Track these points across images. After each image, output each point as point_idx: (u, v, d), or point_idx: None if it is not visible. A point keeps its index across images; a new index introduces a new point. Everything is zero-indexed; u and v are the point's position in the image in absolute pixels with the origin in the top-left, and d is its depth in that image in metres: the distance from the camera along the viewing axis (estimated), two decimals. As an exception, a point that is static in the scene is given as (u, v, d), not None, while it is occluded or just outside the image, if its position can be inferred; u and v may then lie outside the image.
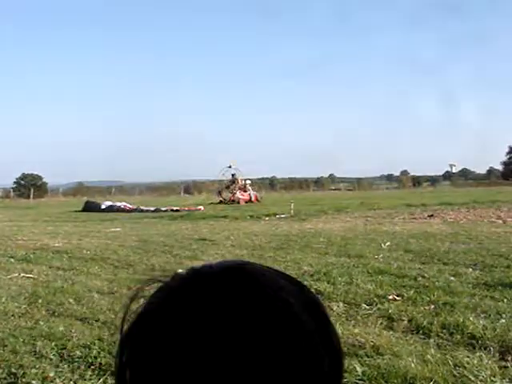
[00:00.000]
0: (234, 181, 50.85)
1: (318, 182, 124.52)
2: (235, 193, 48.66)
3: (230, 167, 52.78)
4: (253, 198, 48.97)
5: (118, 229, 24.36)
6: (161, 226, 26.56)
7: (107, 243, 17.85)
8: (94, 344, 6.58)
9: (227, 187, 51.02)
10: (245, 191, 49.79)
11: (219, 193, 50.94)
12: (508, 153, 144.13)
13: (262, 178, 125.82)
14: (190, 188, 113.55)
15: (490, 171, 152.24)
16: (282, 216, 29.72)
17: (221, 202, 47.71)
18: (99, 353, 6.30)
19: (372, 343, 6.21)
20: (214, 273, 0.89)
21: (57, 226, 26.44)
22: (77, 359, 6.23)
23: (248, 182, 51.93)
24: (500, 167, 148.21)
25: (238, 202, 46.46)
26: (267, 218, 28.88)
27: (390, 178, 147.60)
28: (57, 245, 17.14)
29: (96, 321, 7.75)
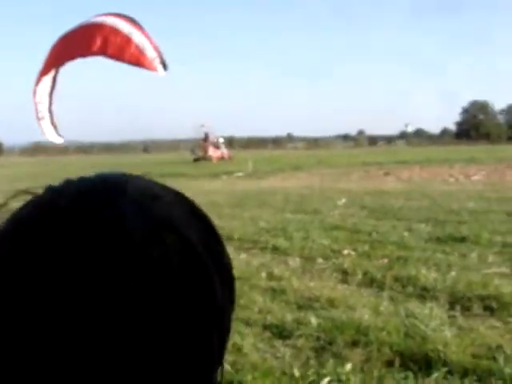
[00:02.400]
0: (206, 139, 51.10)
1: (276, 141, 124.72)
2: (207, 150, 49.05)
3: (202, 126, 52.92)
4: (226, 156, 49.57)
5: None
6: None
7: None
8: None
9: (199, 145, 51.70)
10: (217, 149, 50.36)
11: (193, 151, 51.77)
12: (461, 113, 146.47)
13: (221, 137, 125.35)
14: (149, 147, 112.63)
15: (444, 131, 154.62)
16: (240, 174, 29.76)
17: (195, 159, 48.00)
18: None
19: (327, 296, 6.35)
20: (83, 192, 0.67)
21: None
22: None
23: (221, 140, 52.51)
24: (454, 127, 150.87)
25: (211, 160, 46.74)
26: (225, 177, 28.89)
27: (346, 137, 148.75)
28: None
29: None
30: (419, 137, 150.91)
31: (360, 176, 26.65)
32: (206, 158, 48.22)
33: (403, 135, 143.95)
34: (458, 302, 6.13)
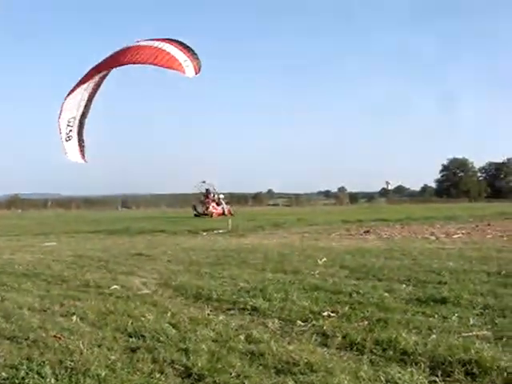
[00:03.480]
0: (207, 195, 52.12)
1: (257, 198, 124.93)
2: (208, 206, 50.16)
3: (204, 182, 53.69)
4: (226, 212, 50.14)
5: (52, 243, 23.84)
6: (97, 240, 26.16)
7: (41, 258, 17.44)
8: (22, 364, 6.38)
9: (201, 201, 52.46)
10: (218, 205, 51.32)
11: (194, 207, 52.38)
12: (441, 171, 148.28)
13: (202, 193, 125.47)
14: (127, 202, 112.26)
15: (425, 188, 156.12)
16: (220, 231, 29.68)
17: (196, 215, 49.08)
18: (27, 373, 6.11)
19: (306, 360, 6.22)
20: None
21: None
22: (2, 381, 6.02)
23: (221, 196, 53.24)
24: (434, 184, 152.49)
25: (211, 216, 47.80)
26: (205, 233, 28.78)
27: (327, 194, 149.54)
28: (-14, 260, 16.66)
29: (25, 339, 7.52)
30: (400, 194, 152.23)
31: (341, 234, 26.65)
32: (206, 213, 49.04)
33: (384, 192, 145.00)
34: (438, 366, 6.04)
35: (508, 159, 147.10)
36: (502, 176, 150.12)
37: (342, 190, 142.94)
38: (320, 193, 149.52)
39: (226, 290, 10.67)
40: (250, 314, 8.81)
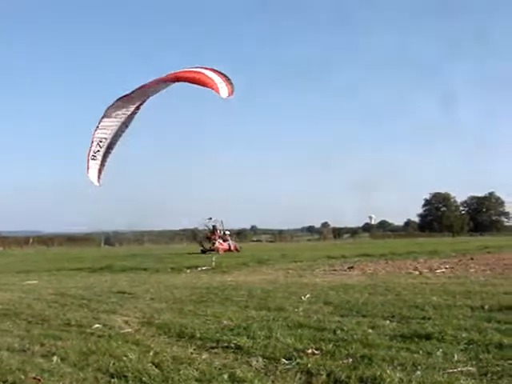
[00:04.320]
0: (214, 231, 53.07)
1: (240, 234, 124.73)
2: (215, 242, 50.93)
3: (210, 219, 54.09)
4: (232, 248, 51.96)
5: (34, 281, 23.56)
6: (79, 278, 25.89)
7: (21, 297, 17.21)
8: (0, 407, 6.26)
9: (207, 237, 53.24)
10: (224, 241, 52.60)
11: (200, 243, 53.41)
12: (424, 205, 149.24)
13: (184, 230, 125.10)
14: (110, 239, 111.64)
15: (408, 223, 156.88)
16: (204, 268, 29.53)
17: (202, 251, 49.54)
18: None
19: (290, 399, 6.15)
20: None
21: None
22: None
23: (227, 232, 54.67)
24: (417, 219, 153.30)
25: (218, 251, 47.98)
26: (188, 271, 28.61)
27: (311, 229, 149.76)
28: (-34, 300, 16.40)
29: (4, 382, 7.37)
30: (383, 228, 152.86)
31: (325, 270, 26.60)
32: (213, 249, 49.40)
33: (367, 227, 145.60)
34: (424, 404, 5.99)
35: (490, 193, 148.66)
36: (483, 210, 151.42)
37: (325, 225, 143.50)
38: (304, 228, 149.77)
39: (209, 328, 10.57)
40: (233, 352, 8.72)
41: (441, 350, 8.23)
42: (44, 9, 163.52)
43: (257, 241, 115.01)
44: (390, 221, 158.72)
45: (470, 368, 7.24)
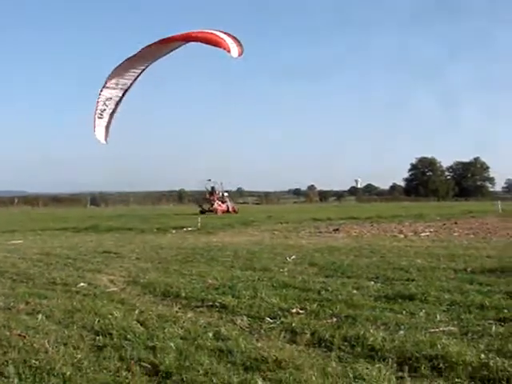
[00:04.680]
0: (212, 193, 54.85)
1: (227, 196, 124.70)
2: (213, 204, 52.69)
3: (209, 180, 56.23)
4: (230, 209, 53.36)
5: (19, 241, 23.52)
6: (64, 238, 25.88)
7: (6, 256, 17.18)
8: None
9: (206, 199, 54.99)
10: (223, 202, 54.03)
11: (199, 204, 55.38)
12: (410, 170, 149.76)
13: (171, 191, 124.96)
14: (96, 199, 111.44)
15: (394, 187, 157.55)
16: (189, 229, 29.59)
17: (201, 211, 50.60)
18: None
19: (275, 357, 6.19)
20: None
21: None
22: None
23: (226, 194, 56.27)
24: (403, 183, 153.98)
25: (216, 212, 50.04)
26: (174, 231, 28.66)
27: (297, 192, 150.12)
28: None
29: (-11, 338, 7.38)
30: (369, 192, 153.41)
31: (310, 232, 26.73)
32: (211, 210, 51.43)
33: (353, 191, 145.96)
34: (406, 362, 6.06)
35: (475, 159, 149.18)
36: (469, 175, 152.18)
37: (311, 188, 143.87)
38: (290, 191, 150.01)
39: (194, 288, 10.62)
40: (218, 311, 8.77)
41: (424, 310, 8.32)
42: None
43: (243, 203, 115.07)
44: (376, 184, 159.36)
45: (452, 328, 7.32)
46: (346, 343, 6.76)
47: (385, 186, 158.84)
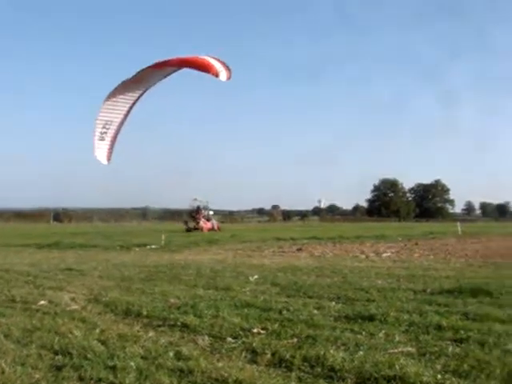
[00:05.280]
0: (198, 211, 57.59)
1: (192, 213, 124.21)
2: (199, 221, 55.29)
3: (195, 200, 59.53)
4: (215, 227, 56.29)
5: (-23, 257, 23.13)
6: (27, 254, 25.51)
7: (-36, 273, 16.87)
8: None
9: (192, 217, 57.62)
10: (208, 220, 56.85)
11: (185, 222, 57.47)
12: (373, 191, 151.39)
13: (135, 208, 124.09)
14: (59, 215, 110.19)
15: (356, 207, 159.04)
16: (153, 247, 29.45)
17: (187, 230, 53.34)
18: None
19: (235, 377, 6.23)
20: None
21: None
22: None
23: (211, 212, 59.46)
24: (365, 204, 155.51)
25: (202, 230, 52.33)
26: (138, 249, 28.48)
27: (261, 211, 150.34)
28: None
29: None
30: (332, 212, 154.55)
31: (274, 251, 26.82)
32: (197, 228, 53.62)
33: (317, 211, 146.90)
34: (364, 382, 6.15)
35: (436, 181, 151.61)
36: (429, 197, 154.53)
37: (275, 207, 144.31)
38: (254, 210, 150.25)
39: (156, 307, 10.58)
40: (180, 330, 8.76)
41: (383, 331, 8.41)
42: None
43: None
44: (339, 205, 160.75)
45: (410, 348, 7.43)
46: (306, 363, 6.82)
47: (348, 206, 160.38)
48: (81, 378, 6.33)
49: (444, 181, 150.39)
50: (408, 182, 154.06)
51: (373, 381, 6.15)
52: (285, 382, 6.18)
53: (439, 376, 6.16)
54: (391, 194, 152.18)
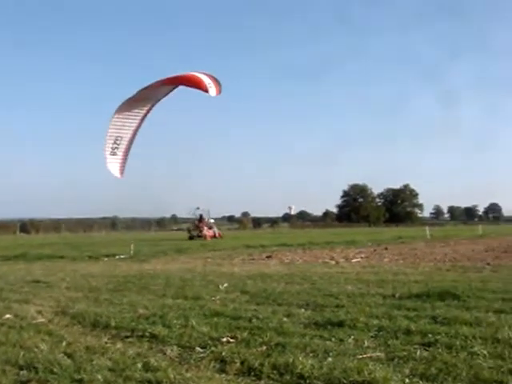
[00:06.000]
0: (201, 220, 60.00)
1: (161, 223, 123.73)
2: (202, 230, 57.74)
3: (198, 208, 62.24)
4: (217, 234, 58.39)
5: None
6: (-9, 267, 25.08)
7: None
8: None
9: (196, 225, 60.19)
10: (210, 228, 58.93)
11: (188, 230, 61.02)
12: (342, 196, 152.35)
13: (104, 218, 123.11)
14: (26, 226, 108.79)
15: (326, 213, 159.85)
16: (122, 256, 29.21)
17: (190, 237, 56.08)
18: None
19: (203, 388, 6.18)
20: None
21: None
22: None
23: (212, 221, 62.11)
24: (335, 210, 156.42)
25: (206, 238, 54.37)
26: (106, 259, 28.23)
27: (231, 219, 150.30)
28: None
29: None
30: (303, 219, 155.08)
31: (243, 259, 26.78)
32: (200, 236, 55.91)
33: (287, 217, 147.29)
34: (335, 389, 6.13)
35: (404, 186, 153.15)
36: (399, 202, 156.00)
37: (245, 214, 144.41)
38: (224, 218, 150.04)
39: (124, 317, 10.47)
40: (148, 341, 8.67)
41: (352, 336, 8.43)
42: None
43: (177, 229, 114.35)
44: (309, 211, 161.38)
45: (379, 354, 7.45)
46: (275, 371, 6.79)
47: (318, 212, 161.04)
48: (46, 393, 6.22)
49: (412, 185, 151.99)
50: (377, 187, 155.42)
51: (342, 387, 6.15)
52: (254, 390, 6.15)
53: (407, 380, 6.19)
54: (361, 200, 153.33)
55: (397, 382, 6.13)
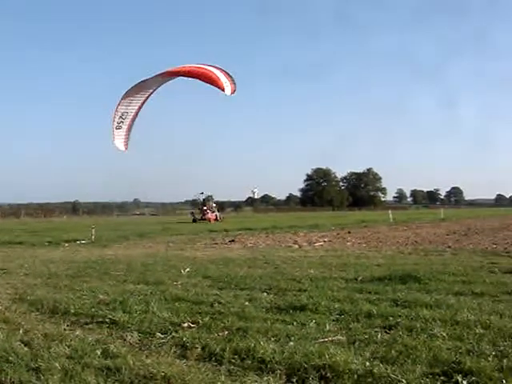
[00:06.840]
0: (204, 203, 64.24)
1: (123, 207, 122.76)
2: (207, 213, 61.16)
3: (202, 193, 67.28)
4: (219, 218, 62.39)
5: None
6: None
7: None
8: None
9: (199, 209, 64.50)
10: (212, 212, 62.70)
11: (192, 213, 64.39)
12: (306, 180, 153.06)
13: (65, 202, 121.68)
14: None
15: (290, 197, 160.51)
16: (83, 242, 28.87)
17: (194, 221, 59.01)
18: None
19: (163, 373, 6.09)
20: None
21: None
22: None
23: (213, 205, 65.09)
24: (299, 194, 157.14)
25: (209, 221, 58.39)
26: (67, 245, 27.84)
27: (194, 203, 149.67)
28: None
29: None
30: (266, 203, 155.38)
31: (206, 243, 26.70)
32: (204, 219, 59.07)
33: (250, 201, 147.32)
34: (295, 373, 6.11)
35: (368, 169, 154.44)
36: (362, 186, 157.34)
37: (208, 198, 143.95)
38: (187, 202, 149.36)
39: (84, 304, 10.30)
40: (108, 327, 8.54)
41: (314, 320, 8.43)
42: None
43: (140, 214, 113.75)
44: (273, 195, 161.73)
45: (340, 337, 7.46)
46: (236, 356, 6.73)
47: (281, 196, 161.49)
48: (1, 383, 6.06)
49: (376, 169, 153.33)
50: (341, 171, 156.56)
51: (302, 371, 6.12)
52: (214, 376, 6.09)
53: (368, 363, 6.18)
54: (324, 184, 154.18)
55: (357, 366, 6.11)
